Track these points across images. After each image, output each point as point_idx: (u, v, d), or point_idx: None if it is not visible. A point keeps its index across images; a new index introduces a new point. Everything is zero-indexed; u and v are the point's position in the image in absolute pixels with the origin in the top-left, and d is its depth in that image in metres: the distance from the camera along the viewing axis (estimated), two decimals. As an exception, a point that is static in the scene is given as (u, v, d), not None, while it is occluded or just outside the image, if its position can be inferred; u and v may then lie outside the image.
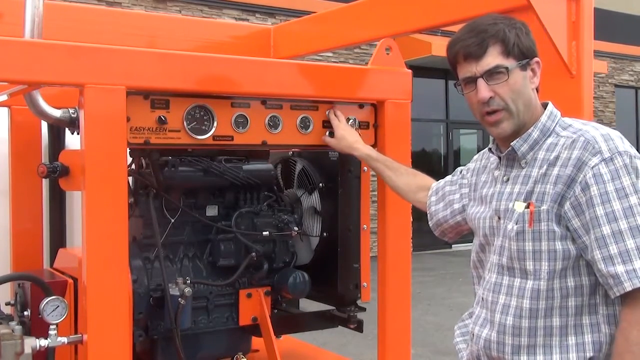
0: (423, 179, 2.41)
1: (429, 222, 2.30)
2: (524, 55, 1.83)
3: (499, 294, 1.88)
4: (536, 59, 1.87)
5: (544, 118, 1.86)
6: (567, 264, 1.76)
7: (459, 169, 2.27)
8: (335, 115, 2.52)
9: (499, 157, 1.95)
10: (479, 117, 1.89)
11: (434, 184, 2.34)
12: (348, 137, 2.49)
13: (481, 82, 1.83)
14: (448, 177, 2.28)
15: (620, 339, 1.69)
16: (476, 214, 2.03)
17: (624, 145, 1.74)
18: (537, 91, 1.90)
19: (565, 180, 1.74)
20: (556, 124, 1.86)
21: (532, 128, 1.85)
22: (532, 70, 1.86)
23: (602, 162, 1.70)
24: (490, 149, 2.01)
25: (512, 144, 1.87)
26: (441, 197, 2.26)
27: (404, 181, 2.41)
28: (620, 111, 17.82)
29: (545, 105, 1.90)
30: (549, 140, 1.83)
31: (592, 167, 1.71)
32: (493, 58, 1.81)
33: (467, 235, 2.29)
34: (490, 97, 1.83)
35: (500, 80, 1.82)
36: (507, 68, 1.81)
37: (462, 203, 2.17)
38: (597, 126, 1.81)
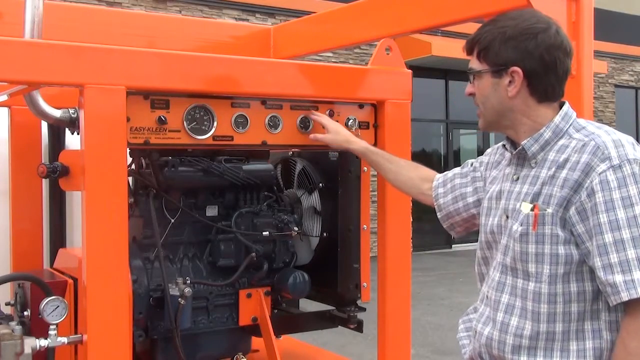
0: (425, 170, 2.35)
1: (438, 214, 2.23)
2: (497, 63, 1.84)
3: (502, 293, 1.87)
4: (514, 68, 1.81)
5: (557, 119, 1.84)
6: (570, 269, 1.75)
7: (469, 161, 2.22)
8: (316, 115, 2.48)
9: (512, 154, 1.94)
10: None
11: (439, 176, 2.27)
12: (342, 131, 2.46)
13: (470, 78, 1.94)
14: (457, 169, 2.22)
15: (620, 348, 1.69)
16: (483, 209, 2.01)
17: (635, 152, 1.71)
18: (545, 99, 1.84)
19: (572, 185, 1.73)
20: (570, 125, 1.83)
21: (544, 128, 1.83)
22: (511, 79, 1.83)
23: (610, 169, 1.68)
24: (504, 145, 1.99)
25: (522, 143, 1.86)
26: (450, 189, 2.19)
27: (405, 174, 2.35)
28: (620, 111, 17.81)
29: (561, 105, 1.88)
30: (561, 142, 1.81)
31: (600, 174, 1.69)
32: (473, 59, 1.91)
33: (467, 235, 2.28)
34: (471, 94, 1.94)
35: (473, 81, 1.93)
36: (478, 71, 1.89)
37: (478, 197, 2.11)
38: (610, 131, 1.78)
